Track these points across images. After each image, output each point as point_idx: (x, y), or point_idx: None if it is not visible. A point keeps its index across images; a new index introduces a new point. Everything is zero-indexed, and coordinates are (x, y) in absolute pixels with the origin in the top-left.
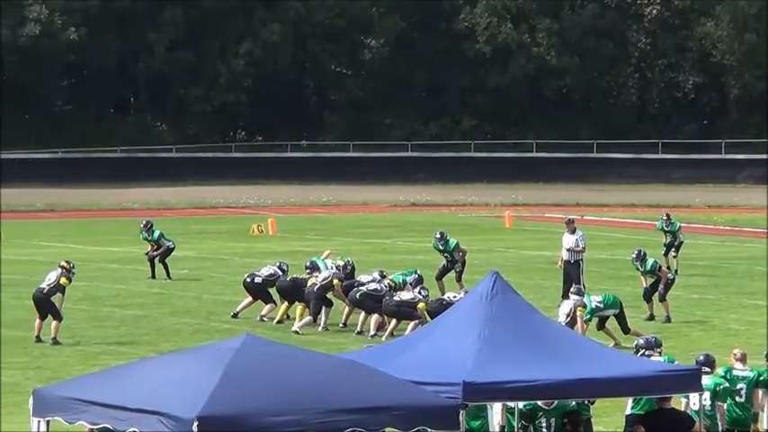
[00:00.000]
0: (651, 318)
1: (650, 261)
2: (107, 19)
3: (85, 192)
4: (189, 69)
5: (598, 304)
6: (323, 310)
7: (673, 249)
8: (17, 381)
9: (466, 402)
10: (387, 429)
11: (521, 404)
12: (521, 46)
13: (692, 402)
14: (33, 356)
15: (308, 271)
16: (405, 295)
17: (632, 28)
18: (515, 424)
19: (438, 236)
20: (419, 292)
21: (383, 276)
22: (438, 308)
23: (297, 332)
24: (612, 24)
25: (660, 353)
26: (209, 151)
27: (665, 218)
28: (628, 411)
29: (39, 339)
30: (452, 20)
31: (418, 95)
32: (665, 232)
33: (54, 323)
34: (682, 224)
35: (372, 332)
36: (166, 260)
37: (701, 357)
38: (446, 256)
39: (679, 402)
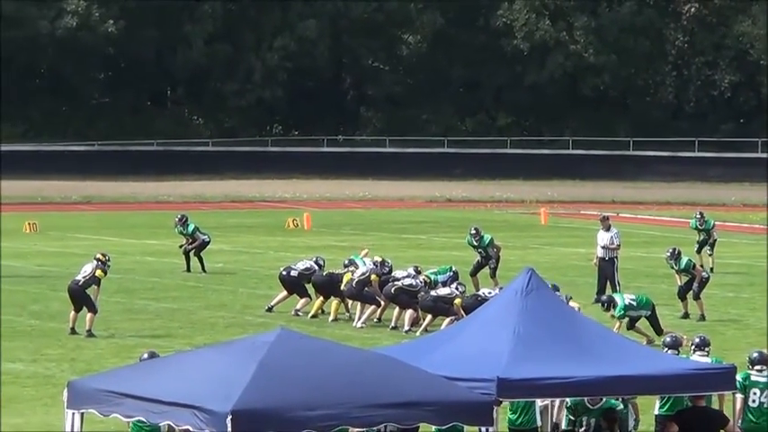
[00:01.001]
0: (686, 316)
1: (685, 259)
2: (145, 12)
3: (122, 184)
4: (226, 63)
5: (631, 302)
6: (359, 306)
7: (708, 247)
8: (52, 373)
9: (500, 399)
10: (420, 425)
11: (568, 400)
12: (558, 43)
13: (750, 400)
14: (68, 348)
15: (345, 269)
16: (441, 291)
17: (670, 26)
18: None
19: (473, 231)
20: (456, 288)
21: (418, 272)
22: (473, 304)
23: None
24: (650, 22)
25: (708, 353)
26: (245, 145)
27: (698, 216)
28: (656, 411)
29: (73, 331)
30: (490, 16)
31: (455, 91)
32: (699, 230)
33: (89, 315)
34: (717, 223)
35: (407, 327)
36: (201, 254)
37: (755, 354)
38: (480, 252)
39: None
